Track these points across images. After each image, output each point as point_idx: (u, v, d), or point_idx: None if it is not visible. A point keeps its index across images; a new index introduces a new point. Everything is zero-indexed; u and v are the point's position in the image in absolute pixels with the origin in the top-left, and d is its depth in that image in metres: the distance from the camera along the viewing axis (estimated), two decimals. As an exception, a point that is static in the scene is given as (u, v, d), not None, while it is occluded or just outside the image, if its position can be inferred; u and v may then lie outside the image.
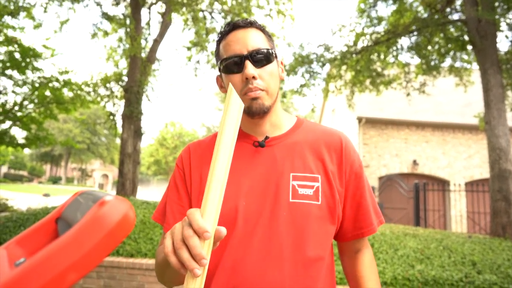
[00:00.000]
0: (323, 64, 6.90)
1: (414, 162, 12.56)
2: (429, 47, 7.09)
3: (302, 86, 7.12)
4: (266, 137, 0.97)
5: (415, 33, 6.62)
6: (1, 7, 7.26)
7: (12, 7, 7.22)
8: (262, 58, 0.91)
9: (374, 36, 6.92)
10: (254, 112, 0.92)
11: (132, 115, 7.15)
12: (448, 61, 7.74)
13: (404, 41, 7.32)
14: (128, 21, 7.01)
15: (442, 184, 10.44)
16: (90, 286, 3.93)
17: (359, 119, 12.65)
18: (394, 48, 6.96)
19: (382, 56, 7.21)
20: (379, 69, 7.41)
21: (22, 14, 7.59)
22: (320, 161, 0.95)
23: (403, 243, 4.69)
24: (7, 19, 7.45)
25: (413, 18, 6.63)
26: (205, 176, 0.97)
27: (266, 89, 0.91)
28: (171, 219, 0.98)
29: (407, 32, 6.48)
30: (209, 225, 0.58)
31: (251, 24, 0.95)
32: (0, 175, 41.05)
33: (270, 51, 0.93)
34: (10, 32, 7.68)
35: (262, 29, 0.97)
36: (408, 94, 7.86)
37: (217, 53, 0.99)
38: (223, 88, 1.01)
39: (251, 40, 0.92)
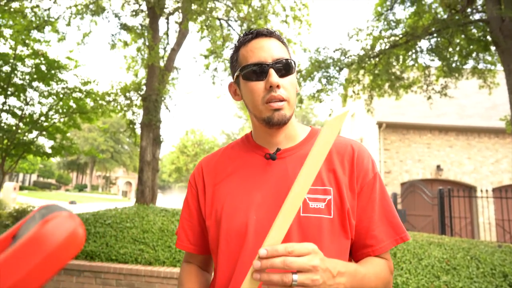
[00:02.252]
0: (340, 69, 6.81)
1: (438, 168, 12.17)
2: (450, 49, 6.88)
3: (319, 91, 7.05)
4: (278, 149, 0.95)
5: (435, 34, 6.45)
6: (28, 22, 7.58)
7: (38, 22, 7.52)
8: (285, 68, 0.90)
9: (392, 39, 6.78)
10: (275, 123, 0.90)
11: (151, 123, 7.27)
12: (470, 63, 7.50)
13: (424, 44, 7.14)
14: (145, 31, 7.17)
15: (468, 190, 10.05)
16: (109, 293, 3.98)
17: (379, 124, 12.41)
18: (413, 50, 6.80)
19: (401, 59, 7.05)
20: (398, 73, 7.24)
21: (47, 28, 7.89)
22: (332, 172, 0.91)
23: (428, 252, 4.52)
24: (34, 33, 7.75)
25: (432, 20, 6.46)
26: (220, 187, 0.97)
27: (288, 99, 0.90)
28: (182, 234, 1.03)
29: (427, 34, 6.32)
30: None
31: (273, 34, 0.94)
32: (30, 183, 42.58)
33: (292, 61, 0.92)
34: (36, 46, 8.01)
35: (282, 39, 0.97)
36: (429, 98, 7.64)
37: (235, 59, 0.97)
38: (237, 95, 1.00)
39: (275, 49, 0.91)
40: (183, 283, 0.98)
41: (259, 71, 0.89)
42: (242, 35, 0.98)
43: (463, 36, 6.75)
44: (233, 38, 9.92)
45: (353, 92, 7.54)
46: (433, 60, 7.08)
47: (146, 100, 7.33)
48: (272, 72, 0.88)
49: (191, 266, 1.04)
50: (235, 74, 0.96)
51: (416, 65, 7.50)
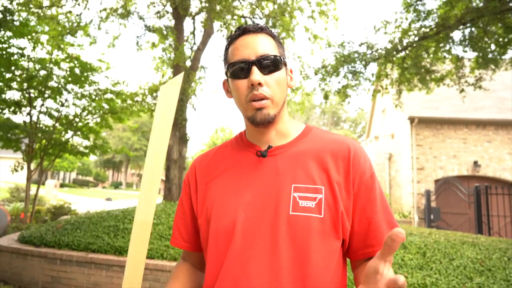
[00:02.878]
0: (366, 63, 6.60)
1: (475, 164, 11.59)
2: (486, 39, 6.48)
3: (344, 87, 6.87)
4: (269, 147, 0.94)
5: (468, 24, 6.09)
6: (62, 27, 7.94)
7: (71, 27, 7.86)
8: (270, 65, 0.89)
9: (421, 31, 6.47)
10: (259, 122, 0.89)
11: (177, 122, 7.41)
12: (510, 53, 7.04)
13: (456, 34, 6.74)
14: (170, 32, 7.30)
15: (508, 187, 9.49)
16: (137, 288, 4.11)
17: (411, 119, 11.96)
18: (445, 42, 6.45)
19: (431, 52, 6.72)
20: (428, 65, 6.91)
21: (79, 32, 8.23)
22: (324, 171, 0.89)
23: (460, 252, 4.32)
24: (67, 37, 8.11)
25: (466, 9, 6.11)
26: (211, 186, 0.97)
27: (272, 97, 0.88)
28: (176, 231, 1.04)
29: (459, 24, 5.98)
30: None
31: (262, 30, 0.93)
32: (70, 181, 44.78)
33: (279, 58, 0.90)
34: (70, 50, 8.38)
35: (272, 35, 0.95)
36: (461, 91, 7.24)
37: (225, 57, 0.97)
38: (229, 93, 0.99)
39: (260, 45, 0.89)
40: (169, 280, 1.00)
41: (242, 69, 0.88)
42: (232, 32, 0.97)
43: (500, 24, 6.33)
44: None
45: (381, 86, 7.28)
46: (466, 51, 6.70)
47: (172, 99, 7.46)
48: (254, 69, 0.87)
49: (184, 264, 1.05)
50: (225, 72, 0.96)
51: (450, 57, 7.12)
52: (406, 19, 6.88)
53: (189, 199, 1.03)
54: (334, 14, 10.34)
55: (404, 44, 6.54)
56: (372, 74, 7.02)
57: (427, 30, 6.52)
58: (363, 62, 6.57)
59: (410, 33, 6.62)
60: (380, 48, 6.59)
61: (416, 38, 6.44)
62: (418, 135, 12.07)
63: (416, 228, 5.91)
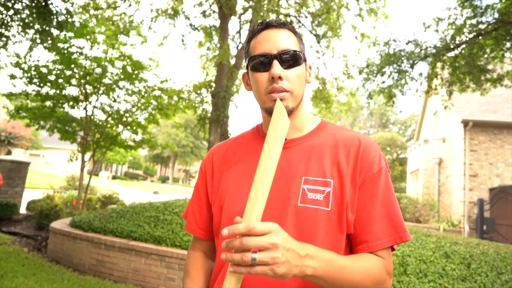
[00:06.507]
0: (413, 62, 6.28)
1: (538, 173, 10.60)
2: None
3: (389, 87, 6.60)
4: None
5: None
6: (116, 27, 8.44)
7: (124, 27, 8.33)
8: (290, 59, 0.91)
9: (477, 28, 6.03)
10: None
11: (219, 119, 7.58)
12: None
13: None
14: (213, 31, 7.47)
15: None
16: (173, 277, 4.27)
17: (465, 123, 11.20)
18: (504, 39, 5.95)
19: (488, 50, 6.23)
20: (483, 65, 6.42)
21: (132, 32, 8.69)
22: (335, 165, 0.90)
23: (511, 266, 3.98)
24: (121, 37, 8.60)
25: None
26: (226, 174, 1.00)
27: (291, 90, 0.90)
28: (191, 217, 1.08)
29: (522, 19, 5.50)
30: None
31: (284, 25, 0.95)
32: (121, 173, 47.47)
33: (299, 53, 0.92)
34: (123, 49, 8.86)
35: (294, 30, 0.97)
36: (522, 92, 6.64)
37: (246, 51, 1.00)
38: (248, 86, 1.02)
39: (281, 40, 0.92)
40: (189, 271, 1.02)
41: (263, 62, 0.91)
42: (255, 26, 0.99)
43: None
44: (303, 34, 9.85)
45: (430, 87, 6.90)
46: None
47: (215, 96, 7.68)
48: (275, 63, 0.89)
49: (197, 254, 1.06)
50: (246, 64, 0.99)
51: (511, 56, 6.56)
52: (461, 15, 6.45)
53: (205, 185, 1.06)
54: (384, 12, 9.99)
55: (457, 41, 6.13)
56: (420, 74, 6.67)
57: (484, 26, 6.06)
58: (410, 61, 6.26)
59: (464, 30, 6.19)
60: (429, 47, 6.23)
61: (471, 35, 6.01)
62: (473, 139, 11.28)
63: (463, 237, 5.54)
